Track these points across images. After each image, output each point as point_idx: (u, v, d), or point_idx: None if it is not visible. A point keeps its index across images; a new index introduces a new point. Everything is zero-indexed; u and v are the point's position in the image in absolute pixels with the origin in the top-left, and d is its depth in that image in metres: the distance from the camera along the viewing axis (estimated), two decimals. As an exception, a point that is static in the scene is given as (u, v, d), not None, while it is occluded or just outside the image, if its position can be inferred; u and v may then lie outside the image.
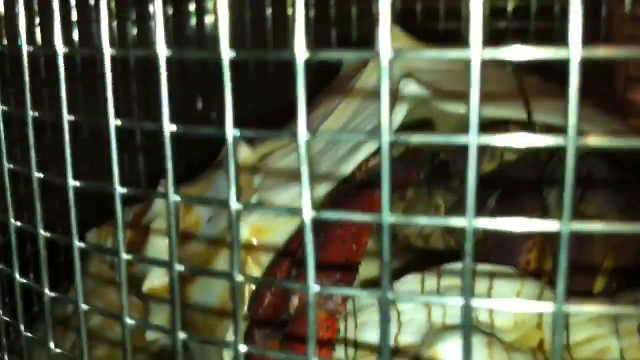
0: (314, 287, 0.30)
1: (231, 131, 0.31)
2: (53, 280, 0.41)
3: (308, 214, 0.30)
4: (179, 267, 0.34)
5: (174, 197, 0.33)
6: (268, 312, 0.53)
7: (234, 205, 0.32)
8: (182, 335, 0.35)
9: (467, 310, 0.28)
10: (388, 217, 0.28)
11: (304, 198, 0.30)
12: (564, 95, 0.26)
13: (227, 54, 0.30)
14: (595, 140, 0.25)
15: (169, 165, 0.33)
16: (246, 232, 0.58)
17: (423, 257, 0.62)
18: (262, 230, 0.57)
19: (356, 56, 0.27)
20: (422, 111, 0.57)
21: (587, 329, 0.40)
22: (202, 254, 0.62)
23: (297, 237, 0.54)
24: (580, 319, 0.40)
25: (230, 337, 0.59)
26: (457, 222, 0.27)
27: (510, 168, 0.59)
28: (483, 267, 0.44)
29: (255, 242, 0.58)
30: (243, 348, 0.33)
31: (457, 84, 0.57)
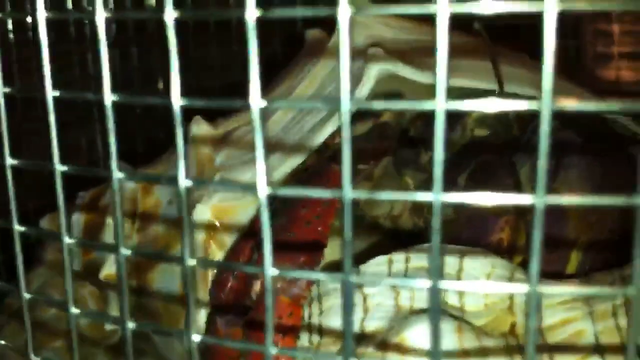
0: (271, 271, 0.28)
1: (177, 100, 0.28)
2: (10, 270, 0.38)
3: (263, 191, 0.27)
4: (125, 252, 0.31)
5: (118, 175, 0.30)
6: (230, 297, 0.50)
7: (183, 182, 0.29)
8: (130, 325, 0.32)
9: (435, 292, 0.26)
10: (349, 192, 0.26)
11: (259, 173, 0.27)
12: (537, 66, 0.23)
13: (170, 14, 0.27)
14: (571, 104, 0.23)
15: (112, 140, 0.30)
16: (208, 213, 0.55)
17: (392, 237, 0.60)
18: (225, 211, 0.55)
19: (312, 14, 0.25)
20: (391, 84, 0.54)
21: (560, 312, 0.38)
22: (163, 237, 0.59)
23: (251, 229, 0.51)
24: (552, 301, 0.39)
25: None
26: (423, 196, 0.25)
27: (482, 144, 0.57)
28: (452, 247, 0.42)
29: (217, 223, 0.55)
30: (196, 337, 0.30)
31: (426, 54, 0.55)
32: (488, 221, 0.50)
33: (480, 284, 0.25)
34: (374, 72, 0.53)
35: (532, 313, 0.25)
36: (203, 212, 0.55)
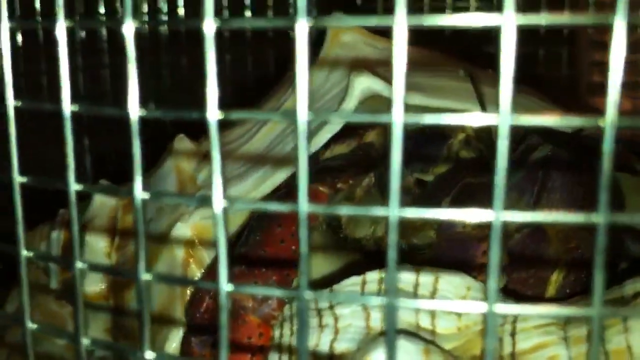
0: (226, 286, 0.27)
1: (135, 112, 0.27)
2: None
3: (218, 204, 0.27)
4: (81, 265, 0.31)
5: (75, 187, 0.30)
6: (205, 316, 0.49)
7: (139, 194, 0.28)
8: (85, 341, 0.31)
9: (391, 310, 0.25)
10: (305, 206, 0.25)
11: (215, 186, 0.27)
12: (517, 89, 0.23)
13: (129, 25, 0.27)
14: (529, 119, 0.23)
15: (69, 152, 0.29)
16: (187, 231, 0.54)
17: (374, 258, 0.59)
18: (206, 229, 0.54)
19: (271, 25, 0.25)
20: (376, 107, 0.54)
21: (535, 336, 0.37)
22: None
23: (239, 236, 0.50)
24: (527, 325, 0.38)
25: (170, 346, 0.56)
26: (379, 211, 0.25)
27: (467, 166, 0.57)
28: (427, 269, 0.41)
29: (197, 241, 0.55)
30: (150, 355, 0.29)
31: (411, 77, 0.55)
32: (469, 246, 0.49)
33: (437, 303, 0.24)
34: (357, 91, 0.53)
35: (490, 334, 0.24)
36: (183, 231, 0.55)
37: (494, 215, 0.23)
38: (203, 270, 0.54)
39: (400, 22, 0.23)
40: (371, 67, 0.55)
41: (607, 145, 0.22)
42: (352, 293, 0.41)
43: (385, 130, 0.60)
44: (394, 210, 0.24)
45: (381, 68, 0.56)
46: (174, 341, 0.54)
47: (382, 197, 0.60)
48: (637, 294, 0.37)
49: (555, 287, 0.48)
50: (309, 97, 0.57)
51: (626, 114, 1.07)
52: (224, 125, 0.63)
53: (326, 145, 0.55)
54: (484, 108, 0.52)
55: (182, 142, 0.61)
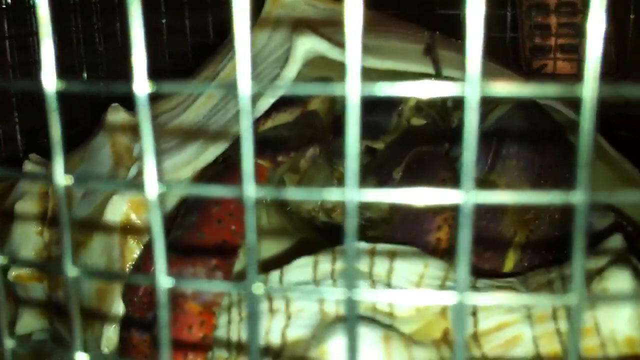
0: (164, 281, 0.24)
1: (52, 85, 0.24)
2: None
3: (153, 190, 0.24)
4: (1, 259, 0.27)
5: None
6: (144, 300, 0.46)
7: (61, 180, 0.25)
8: (9, 344, 0.28)
9: (351, 303, 0.23)
10: (252, 191, 0.23)
11: (148, 170, 0.24)
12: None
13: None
14: (499, 89, 0.20)
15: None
16: (123, 207, 0.51)
17: (326, 233, 0.56)
18: (143, 205, 0.51)
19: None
20: (321, 69, 0.51)
21: (496, 315, 0.36)
22: (76, 236, 0.55)
23: (175, 215, 0.47)
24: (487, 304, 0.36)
25: (107, 330, 0.53)
26: (336, 194, 0.22)
27: (418, 134, 0.54)
28: (383, 246, 0.39)
29: (134, 218, 0.51)
30: (81, 357, 0.26)
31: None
32: (423, 220, 0.47)
33: (400, 294, 0.22)
34: (300, 52, 0.50)
35: (460, 326, 0.22)
36: (118, 206, 0.51)
37: (463, 196, 0.21)
38: (138, 253, 0.50)
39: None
40: (314, 27, 0.52)
41: (587, 120, 0.20)
42: (302, 275, 0.38)
43: (328, 99, 0.57)
44: (353, 194, 0.22)
45: (324, 29, 0.53)
46: (111, 327, 0.51)
47: (329, 166, 0.57)
48: (600, 270, 0.36)
49: (513, 260, 0.46)
50: (250, 62, 0.52)
51: (566, 77, 1.07)
52: (158, 95, 0.60)
53: (267, 113, 0.52)
54: (438, 71, 0.50)
55: (116, 112, 0.57)
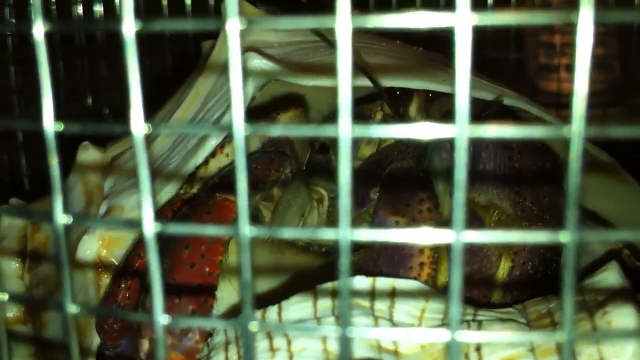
0: (162, 318, 0.25)
1: (51, 125, 0.25)
2: None
3: (150, 227, 0.25)
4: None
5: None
6: (114, 328, 0.47)
7: (60, 218, 0.26)
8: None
9: (345, 342, 0.23)
10: (247, 230, 0.24)
11: (144, 206, 0.25)
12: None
13: (39, 28, 0.24)
14: (489, 130, 0.21)
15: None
16: (95, 244, 0.52)
17: (324, 258, 0.57)
18: (113, 242, 0.52)
19: (197, 27, 0.23)
20: (288, 86, 0.52)
21: (500, 350, 0.36)
22: (53, 276, 0.56)
23: (137, 251, 0.47)
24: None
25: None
26: (329, 234, 0.23)
27: (390, 150, 0.55)
28: (382, 281, 0.40)
29: (105, 255, 0.52)
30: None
31: (312, 55, 0.54)
32: (404, 244, 0.47)
33: (397, 332, 0.22)
34: (251, 82, 0.51)
35: (453, 364, 0.23)
36: (90, 245, 0.52)
37: (454, 236, 0.22)
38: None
39: (344, 24, 0.22)
40: (265, 52, 0.54)
41: (575, 159, 0.20)
42: (302, 311, 0.39)
43: (300, 114, 0.57)
44: (346, 233, 0.22)
45: (281, 51, 0.55)
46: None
47: (307, 189, 0.57)
48: (602, 302, 0.36)
49: (504, 272, 0.47)
50: (202, 97, 0.54)
51: (551, 94, 1.07)
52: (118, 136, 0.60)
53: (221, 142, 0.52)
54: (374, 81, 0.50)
55: (87, 151, 0.59)
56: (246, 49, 0.52)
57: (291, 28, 0.56)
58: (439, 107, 0.58)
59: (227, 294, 0.47)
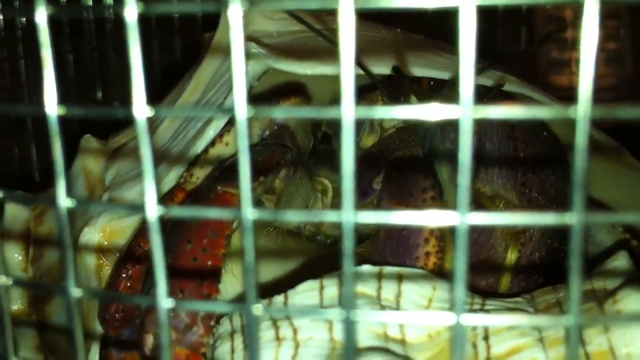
0: (165, 302, 0.25)
1: (53, 109, 0.25)
2: None
3: (152, 211, 0.25)
4: (5, 279, 0.28)
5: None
6: (116, 317, 0.47)
7: (64, 202, 0.26)
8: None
9: (349, 325, 0.23)
10: (250, 213, 0.24)
11: (147, 190, 0.25)
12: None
13: (42, 13, 0.24)
14: (493, 111, 0.21)
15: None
16: (96, 235, 0.52)
17: (313, 240, 0.56)
18: (116, 233, 0.52)
19: (200, 10, 0.23)
20: (287, 75, 0.52)
21: (509, 339, 0.36)
22: (56, 267, 0.56)
23: (137, 242, 0.48)
24: (499, 326, 0.37)
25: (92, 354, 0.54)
26: (332, 216, 0.23)
27: (393, 139, 0.54)
28: (389, 270, 0.40)
29: (107, 245, 0.52)
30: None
31: (311, 44, 0.54)
32: (410, 234, 0.46)
33: (400, 315, 0.22)
34: (249, 70, 0.51)
35: (458, 348, 0.23)
36: (91, 235, 0.52)
37: (458, 218, 0.22)
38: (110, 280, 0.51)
39: (346, 4, 0.22)
40: (264, 41, 0.54)
41: (581, 141, 0.20)
42: (308, 300, 0.39)
43: (301, 102, 0.57)
44: (349, 216, 0.22)
45: (280, 40, 0.55)
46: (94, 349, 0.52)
47: (310, 180, 0.57)
48: (612, 291, 0.36)
49: (509, 277, 0.47)
50: (202, 87, 0.54)
51: (562, 89, 1.07)
52: (128, 123, 0.61)
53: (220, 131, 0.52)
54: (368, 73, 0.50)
55: (89, 143, 0.60)
56: (249, 41, 0.52)
57: (292, 11, 0.56)
58: (441, 96, 0.58)
59: (230, 287, 0.47)
